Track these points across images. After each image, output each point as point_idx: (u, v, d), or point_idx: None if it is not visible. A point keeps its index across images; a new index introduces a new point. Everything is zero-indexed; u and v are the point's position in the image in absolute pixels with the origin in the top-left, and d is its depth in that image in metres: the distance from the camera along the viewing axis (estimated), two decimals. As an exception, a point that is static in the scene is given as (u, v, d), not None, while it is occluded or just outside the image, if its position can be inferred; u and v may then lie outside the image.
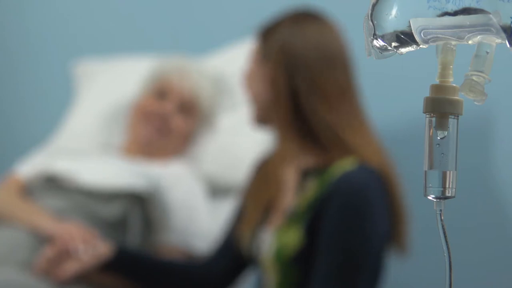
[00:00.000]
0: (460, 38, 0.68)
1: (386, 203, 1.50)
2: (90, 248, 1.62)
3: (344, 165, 1.49)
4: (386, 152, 1.56)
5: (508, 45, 0.66)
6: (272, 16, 1.62)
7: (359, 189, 1.47)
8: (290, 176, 1.58)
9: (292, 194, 1.56)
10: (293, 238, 1.50)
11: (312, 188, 1.51)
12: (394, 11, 0.69)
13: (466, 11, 0.66)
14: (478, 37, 0.68)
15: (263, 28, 1.62)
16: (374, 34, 0.71)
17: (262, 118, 1.62)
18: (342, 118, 1.53)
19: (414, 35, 0.69)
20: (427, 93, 0.70)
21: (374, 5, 0.70)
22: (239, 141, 2.03)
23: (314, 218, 1.48)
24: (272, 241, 1.54)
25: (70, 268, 1.61)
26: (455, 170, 0.70)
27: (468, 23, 0.67)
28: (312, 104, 1.52)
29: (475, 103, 0.69)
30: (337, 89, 1.54)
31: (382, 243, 1.49)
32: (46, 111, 2.62)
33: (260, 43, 1.61)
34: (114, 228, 1.76)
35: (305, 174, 1.55)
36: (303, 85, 1.53)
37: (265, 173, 1.65)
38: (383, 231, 1.49)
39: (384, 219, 1.49)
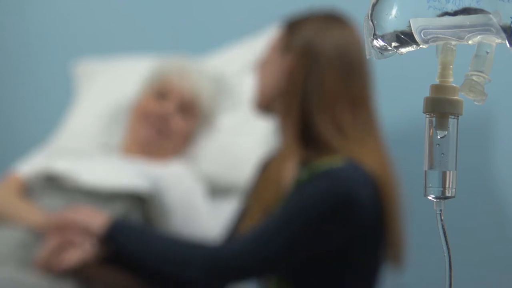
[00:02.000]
0: (460, 38, 0.68)
1: (373, 201, 1.48)
2: (90, 237, 1.62)
3: (332, 161, 1.49)
4: (390, 162, 1.55)
5: (508, 45, 0.66)
6: (300, 11, 1.63)
7: (343, 181, 1.46)
8: (290, 174, 1.58)
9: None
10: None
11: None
12: (394, 11, 0.69)
13: (466, 11, 0.66)
14: (478, 37, 0.68)
15: (291, 20, 1.62)
16: (374, 34, 0.71)
17: (265, 106, 1.62)
18: (346, 124, 1.53)
19: (414, 35, 0.69)
20: (427, 93, 0.70)
21: (374, 5, 0.70)
22: (239, 141, 2.03)
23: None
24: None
25: (72, 257, 1.60)
26: (455, 170, 0.69)
27: (468, 23, 0.66)
28: (317, 105, 1.52)
29: (475, 103, 0.69)
30: (349, 96, 1.54)
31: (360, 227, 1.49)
32: (46, 111, 2.62)
33: (285, 33, 1.61)
34: (114, 228, 1.76)
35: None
36: (316, 84, 1.53)
37: (268, 173, 1.65)
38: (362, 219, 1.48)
39: (367, 212, 1.48)
